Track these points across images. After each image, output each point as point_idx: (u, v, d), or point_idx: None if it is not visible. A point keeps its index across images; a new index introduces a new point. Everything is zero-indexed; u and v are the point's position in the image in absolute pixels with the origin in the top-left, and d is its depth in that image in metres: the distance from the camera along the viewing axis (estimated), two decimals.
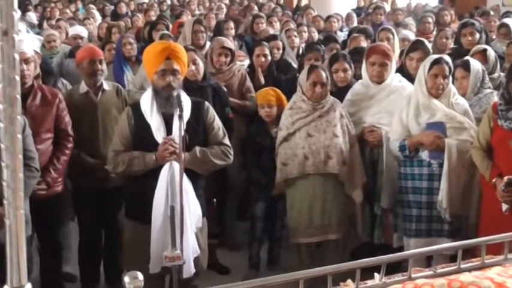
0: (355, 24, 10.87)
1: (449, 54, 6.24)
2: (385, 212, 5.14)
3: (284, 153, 4.96)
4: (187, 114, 4.03)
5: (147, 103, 4.07)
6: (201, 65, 5.24)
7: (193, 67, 5.16)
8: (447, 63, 4.70)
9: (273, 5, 15.04)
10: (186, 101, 4.07)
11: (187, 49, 5.31)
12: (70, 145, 4.69)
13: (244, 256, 5.61)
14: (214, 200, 4.82)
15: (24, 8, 15.33)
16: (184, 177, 3.87)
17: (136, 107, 4.13)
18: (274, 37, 7.15)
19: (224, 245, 5.89)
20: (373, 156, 5.14)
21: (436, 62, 4.67)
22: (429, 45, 5.90)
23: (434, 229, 4.72)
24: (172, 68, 4.02)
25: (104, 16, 14.27)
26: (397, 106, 4.91)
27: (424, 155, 4.71)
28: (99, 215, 5.02)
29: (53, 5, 17.23)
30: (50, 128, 4.59)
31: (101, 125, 4.92)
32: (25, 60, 4.44)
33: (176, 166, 3.84)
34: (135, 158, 4.02)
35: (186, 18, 9.71)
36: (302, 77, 5.03)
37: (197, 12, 14.17)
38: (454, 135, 4.64)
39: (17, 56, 1.62)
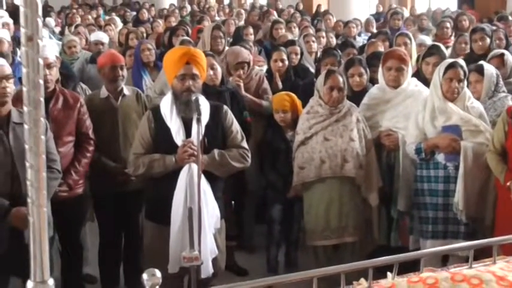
0: (374, 29, 10.93)
1: (463, 60, 6.29)
2: (401, 215, 5.18)
3: (301, 157, 5.02)
4: (206, 117, 4.12)
5: (167, 107, 4.16)
6: (219, 70, 5.33)
7: (211, 72, 5.25)
8: (462, 67, 4.75)
9: (292, 11, 15.14)
10: (205, 105, 4.16)
11: (205, 54, 5.41)
12: (91, 148, 4.79)
13: (263, 258, 5.68)
14: (233, 202, 4.89)
15: (45, 13, 15.53)
16: (203, 179, 3.97)
17: (156, 111, 4.23)
18: (292, 42, 7.22)
19: (243, 247, 5.95)
20: (390, 160, 5.19)
21: (451, 66, 4.72)
22: (445, 51, 5.94)
23: (450, 231, 4.76)
24: (191, 72, 4.12)
25: (125, 22, 14.43)
26: (413, 110, 4.96)
27: (440, 157, 4.76)
28: (119, 217, 5.11)
29: (74, 11, 17.46)
30: (72, 131, 4.69)
31: (121, 129, 5.02)
32: (48, 65, 4.56)
33: (195, 168, 3.92)
34: (156, 160, 4.12)
35: (206, 24, 9.85)
36: (319, 81, 5.10)
37: (217, 18, 14.31)
38: (469, 138, 4.68)
39: (41, 61, 1.71)
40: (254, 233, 6.15)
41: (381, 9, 18.51)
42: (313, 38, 8.41)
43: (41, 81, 1.71)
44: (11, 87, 4.02)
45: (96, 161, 4.93)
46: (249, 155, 4.33)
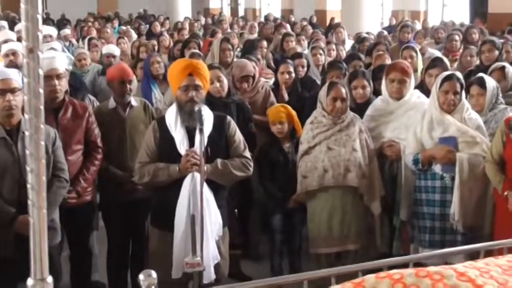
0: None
1: (471, 71, 6.39)
2: (403, 224, 5.27)
3: (305, 166, 5.13)
4: (209, 128, 4.26)
5: (171, 117, 4.30)
6: (225, 82, 5.47)
7: (217, 84, 5.39)
8: (458, 79, 4.85)
9: (304, 23, 15.28)
10: (209, 116, 4.29)
11: (212, 67, 5.57)
12: (99, 156, 4.93)
13: (268, 267, 5.78)
14: (236, 211, 5.00)
15: (61, 26, 15.76)
16: (206, 187, 4.10)
17: (161, 121, 4.37)
18: (299, 55, 7.34)
19: (248, 256, 6.06)
20: (393, 170, 5.28)
21: (447, 78, 4.83)
22: (448, 63, 6.04)
23: (448, 240, 4.84)
24: (194, 83, 4.25)
25: (139, 35, 14.62)
26: (416, 121, 5.06)
27: (437, 168, 4.85)
28: (126, 224, 5.23)
29: (90, 24, 17.70)
30: (80, 139, 4.84)
31: (128, 139, 5.15)
32: (57, 76, 4.73)
33: (198, 177, 4.03)
34: (160, 169, 4.25)
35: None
36: (322, 93, 5.22)
37: (229, 31, 14.45)
38: (466, 149, 4.77)
39: (41, 72, 1.85)
40: (260, 241, 6.25)
41: (394, 22, 18.59)
42: (321, 51, 8.50)
43: (41, 91, 1.85)
44: (17, 99, 4.16)
45: (104, 170, 5.07)
46: (251, 164, 4.45)
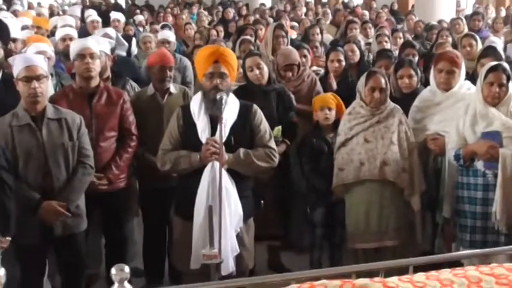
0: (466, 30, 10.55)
1: None
2: (447, 221, 5.03)
3: (341, 158, 4.96)
4: (234, 116, 4.16)
5: (196, 105, 4.23)
6: (265, 69, 5.32)
7: (257, 71, 5.26)
8: (505, 70, 4.55)
9: (383, 10, 14.85)
10: (234, 104, 4.20)
11: (252, 53, 5.47)
12: (133, 143, 4.91)
13: (308, 259, 5.64)
14: (262, 202, 4.88)
15: (131, 13, 15.97)
16: (226, 177, 4.02)
17: (186, 109, 4.30)
18: (348, 41, 7.12)
19: (291, 248, 5.93)
20: (437, 164, 5.06)
21: (493, 69, 4.54)
22: (502, 52, 5.71)
23: (489, 241, 4.58)
24: (219, 71, 4.16)
25: (216, 21, 14.56)
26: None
27: (479, 164, 4.59)
28: (162, 212, 5.19)
29: (169, 10, 17.84)
30: (114, 126, 4.83)
31: (165, 126, 5.07)
32: (90, 55, 4.74)
33: (218, 166, 3.95)
34: (182, 157, 4.19)
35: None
36: (361, 82, 5.01)
37: (303, 17, 14.24)
38: (510, 145, 4.48)
39: None
40: (303, 233, 6.10)
41: (481, 9, 17.92)
42: (386, 38, 8.26)
43: None
44: (43, 86, 4.18)
45: (140, 156, 5.05)
46: (276, 154, 4.32)
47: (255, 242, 4.85)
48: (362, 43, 7.96)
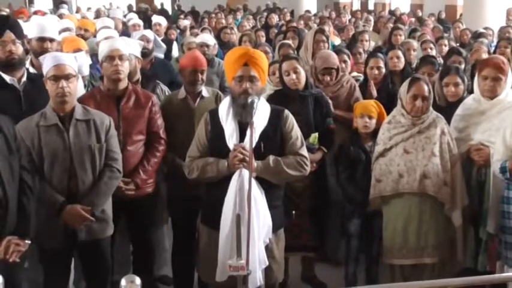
0: None
1: None
2: (491, 237, 4.75)
3: (379, 168, 4.73)
4: (264, 121, 3.97)
5: (224, 109, 4.05)
6: (303, 73, 5.10)
7: (293, 76, 5.06)
8: None
9: (432, 18, 14.53)
10: (264, 109, 4.01)
11: (288, 57, 5.27)
12: (161, 148, 4.76)
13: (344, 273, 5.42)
14: (293, 212, 4.68)
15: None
16: (256, 186, 3.83)
17: (214, 113, 4.12)
18: (393, 47, 6.88)
19: (326, 260, 5.72)
20: (480, 176, 4.78)
21: None
22: None
23: None
24: (249, 74, 3.97)
25: (260, 27, 14.45)
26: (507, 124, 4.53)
27: None
28: (191, 219, 5.02)
29: (213, 15, 17.79)
30: (142, 130, 4.68)
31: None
32: (119, 57, 4.60)
33: (246, 174, 3.78)
34: (209, 164, 4.01)
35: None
36: (403, 89, 4.77)
37: (347, 23, 14.04)
38: None
39: None
40: (340, 246, 5.88)
41: None
42: (431, 45, 8.00)
43: None
44: (71, 86, 4.06)
45: (170, 161, 4.90)
46: (308, 163, 4.11)
47: (288, 253, 4.68)
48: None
